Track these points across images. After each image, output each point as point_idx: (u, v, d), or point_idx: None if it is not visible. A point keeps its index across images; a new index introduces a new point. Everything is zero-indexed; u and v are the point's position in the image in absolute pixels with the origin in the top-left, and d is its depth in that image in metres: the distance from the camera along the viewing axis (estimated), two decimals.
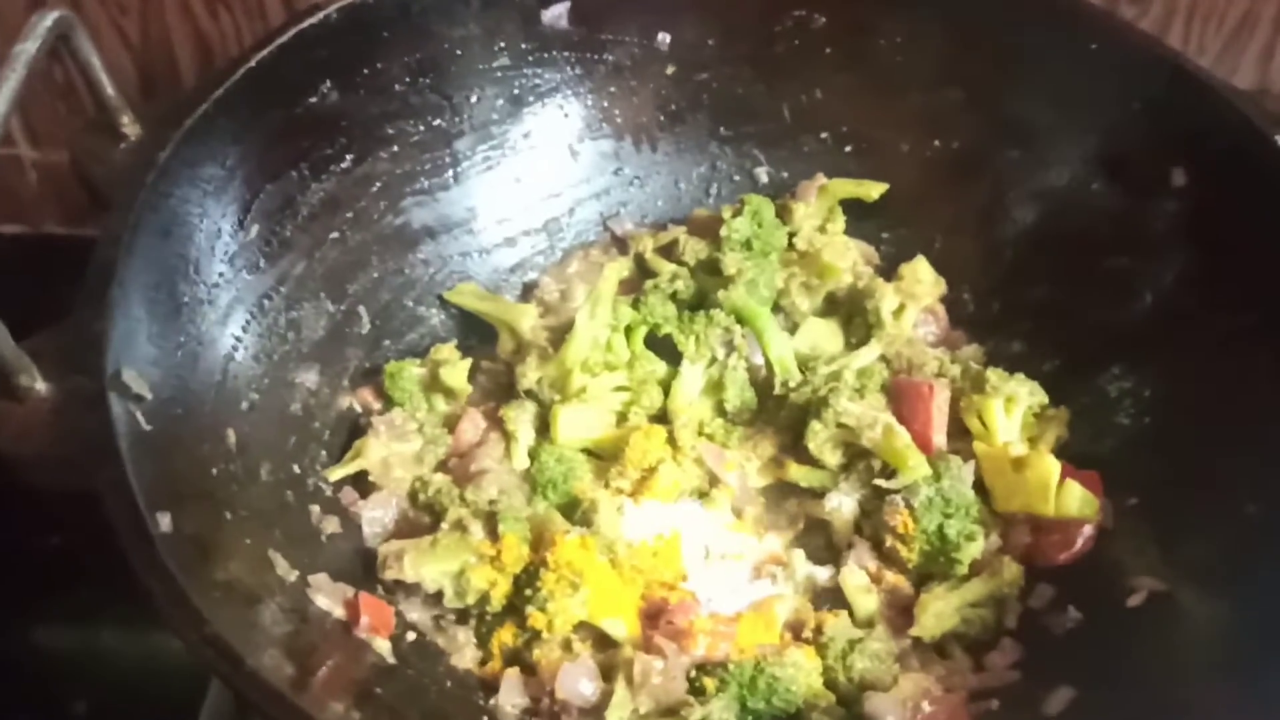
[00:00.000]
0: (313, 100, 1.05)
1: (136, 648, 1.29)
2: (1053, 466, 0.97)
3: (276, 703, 0.68)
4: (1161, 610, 0.90)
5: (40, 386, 0.79)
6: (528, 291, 1.21)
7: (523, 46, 1.16)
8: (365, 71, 1.08)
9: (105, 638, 1.32)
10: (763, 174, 1.24)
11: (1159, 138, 1.05)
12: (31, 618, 1.32)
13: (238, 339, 0.97)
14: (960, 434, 1.04)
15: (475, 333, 1.16)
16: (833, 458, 1.02)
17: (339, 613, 0.89)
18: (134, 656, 1.29)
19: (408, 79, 1.11)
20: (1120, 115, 1.07)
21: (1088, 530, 0.97)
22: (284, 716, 0.68)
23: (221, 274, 0.97)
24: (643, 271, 1.18)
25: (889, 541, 0.98)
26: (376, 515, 1.00)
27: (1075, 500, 0.96)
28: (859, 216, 1.19)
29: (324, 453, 1.04)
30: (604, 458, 1.06)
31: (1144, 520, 0.97)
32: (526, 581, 0.92)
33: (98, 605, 1.31)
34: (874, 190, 1.18)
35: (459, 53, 1.13)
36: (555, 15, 1.15)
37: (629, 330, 1.10)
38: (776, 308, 1.15)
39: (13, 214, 1.57)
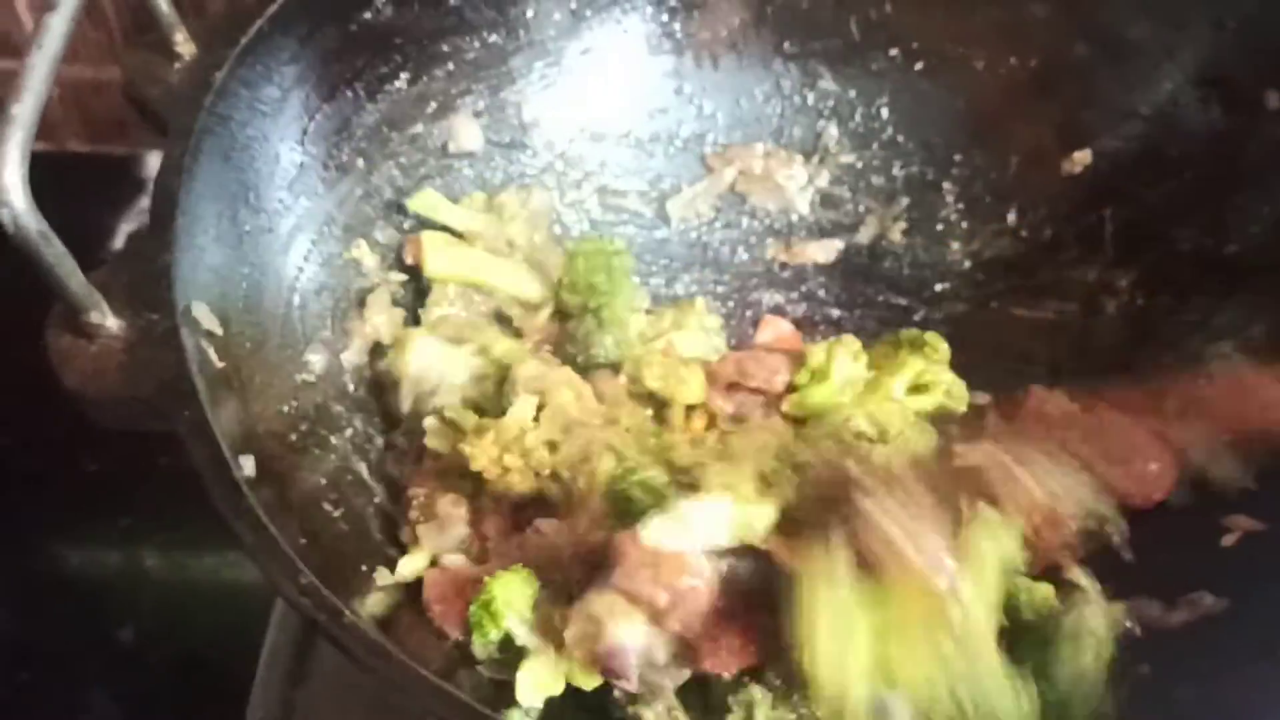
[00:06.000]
0: (367, 15, 1.00)
1: (183, 574, 1.29)
2: None
3: (378, 656, 0.66)
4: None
5: (111, 323, 0.75)
6: None
7: None
8: None
9: (150, 564, 1.31)
10: (829, 93, 1.19)
11: (1254, 58, 1.00)
12: (75, 543, 1.31)
13: (300, 269, 0.94)
14: None
15: None
16: None
17: None
18: (180, 583, 1.29)
19: None
20: (1213, 33, 1.02)
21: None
22: (387, 669, 0.66)
23: (281, 200, 0.93)
24: None
25: None
26: None
27: None
28: (928, 138, 1.15)
29: None
30: None
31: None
32: None
33: (142, 531, 1.31)
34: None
35: None
36: None
37: None
38: None
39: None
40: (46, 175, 1.60)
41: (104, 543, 1.32)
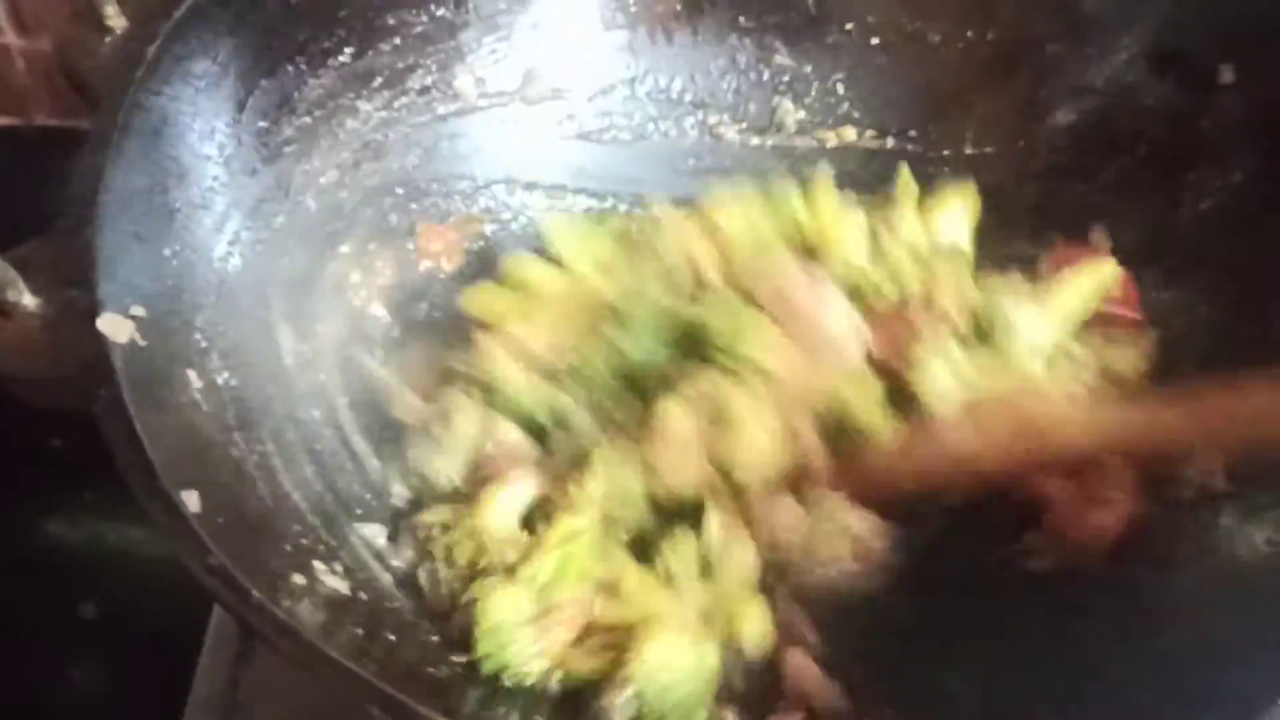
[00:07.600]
0: None
1: (145, 549, 1.29)
2: None
3: (287, 636, 0.65)
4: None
5: (28, 301, 0.74)
6: None
7: None
8: None
9: (113, 539, 1.31)
10: (785, 68, 1.17)
11: (1208, 32, 0.99)
12: (37, 518, 1.31)
13: (233, 247, 0.93)
14: None
15: None
16: None
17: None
18: (143, 558, 1.29)
19: None
20: (1170, 7, 1.01)
21: None
22: (296, 650, 0.65)
23: (216, 177, 0.92)
24: None
25: None
26: None
27: None
28: (884, 113, 1.14)
29: None
30: None
31: None
32: None
33: (104, 507, 1.31)
34: None
35: None
36: None
37: None
38: None
39: (2, 105, 1.52)
40: (14, 149, 1.61)
41: (67, 518, 1.32)
